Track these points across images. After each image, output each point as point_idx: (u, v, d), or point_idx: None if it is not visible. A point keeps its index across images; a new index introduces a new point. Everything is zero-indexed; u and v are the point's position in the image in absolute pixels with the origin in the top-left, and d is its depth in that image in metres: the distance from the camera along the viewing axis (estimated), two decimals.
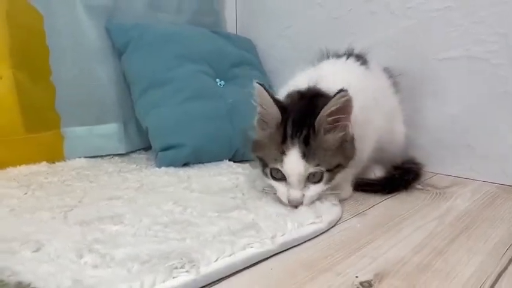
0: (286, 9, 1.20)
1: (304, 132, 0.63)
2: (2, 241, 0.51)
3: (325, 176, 0.65)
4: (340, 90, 0.60)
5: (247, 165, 0.91)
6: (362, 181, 0.78)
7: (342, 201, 0.72)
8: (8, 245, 0.50)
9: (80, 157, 0.98)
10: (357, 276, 0.46)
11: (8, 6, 0.85)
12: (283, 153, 0.63)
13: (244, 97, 0.67)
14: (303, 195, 0.64)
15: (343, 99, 0.61)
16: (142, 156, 1.03)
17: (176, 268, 0.44)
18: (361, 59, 0.81)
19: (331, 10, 1.07)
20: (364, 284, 0.45)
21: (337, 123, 0.63)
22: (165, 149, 0.92)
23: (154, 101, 0.96)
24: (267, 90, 0.64)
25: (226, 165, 0.92)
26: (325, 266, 0.49)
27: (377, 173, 0.83)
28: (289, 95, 0.70)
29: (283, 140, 0.64)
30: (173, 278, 0.42)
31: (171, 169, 0.88)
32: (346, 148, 0.66)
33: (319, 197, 0.67)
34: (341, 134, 0.64)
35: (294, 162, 0.63)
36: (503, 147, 0.83)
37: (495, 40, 0.81)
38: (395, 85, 0.85)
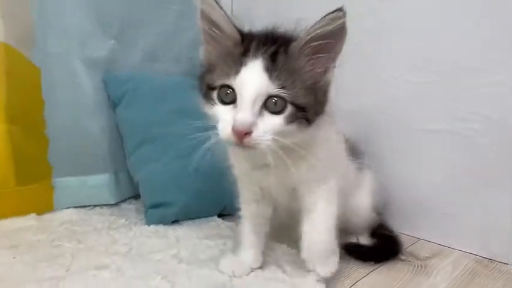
0: None
1: (273, 48, 0.54)
2: None
3: (288, 109, 0.53)
4: (335, 10, 0.51)
5: (235, 224, 0.92)
6: (351, 244, 0.80)
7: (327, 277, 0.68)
8: None
9: (69, 207, 0.98)
10: None
11: (7, 63, 0.86)
12: (240, 64, 0.53)
13: None
14: (253, 122, 0.51)
15: (338, 22, 0.51)
16: (132, 206, 1.04)
17: None
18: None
19: None
20: None
21: (320, 56, 0.54)
22: (155, 206, 0.93)
23: (147, 156, 0.97)
24: (219, 5, 0.55)
25: (216, 224, 0.94)
26: None
27: (361, 239, 0.85)
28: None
29: (244, 53, 0.54)
30: None
31: (161, 227, 0.90)
32: (319, 93, 0.56)
33: (275, 145, 0.53)
34: (320, 70, 0.55)
35: (253, 74, 0.52)
36: (483, 219, 0.87)
37: (477, 119, 0.85)
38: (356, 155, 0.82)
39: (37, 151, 0.94)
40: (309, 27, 0.53)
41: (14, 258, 0.73)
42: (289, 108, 0.53)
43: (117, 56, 1.07)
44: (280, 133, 0.53)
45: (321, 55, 0.54)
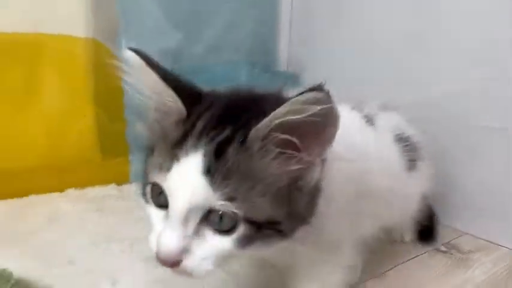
0: (339, 50, 1.26)
1: (224, 135, 0.37)
2: (88, 272, 0.66)
3: (241, 228, 0.36)
4: (314, 87, 0.33)
5: None
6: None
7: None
8: (91, 277, 0.65)
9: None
10: None
11: (95, 56, 1.01)
12: (172, 158, 0.37)
13: None
14: (185, 248, 0.36)
15: (319, 107, 0.34)
16: None
17: None
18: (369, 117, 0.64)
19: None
20: None
21: (292, 152, 0.37)
22: None
23: None
24: (151, 65, 0.40)
25: None
26: None
27: (406, 237, 0.87)
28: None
29: (182, 138, 0.38)
30: None
31: None
32: (299, 200, 0.39)
33: (223, 266, 0.39)
34: (296, 168, 0.38)
35: (185, 176, 0.36)
36: None
37: None
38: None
39: (117, 131, 1.09)
40: (282, 105, 0.35)
41: (100, 219, 0.88)
42: (242, 227, 0.36)
43: (183, 48, 1.18)
44: (230, 258, 0.39)
45: (294, 152, 0.37)
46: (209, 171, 0.35)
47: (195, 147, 0.36)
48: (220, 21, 1.26)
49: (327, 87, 0.34)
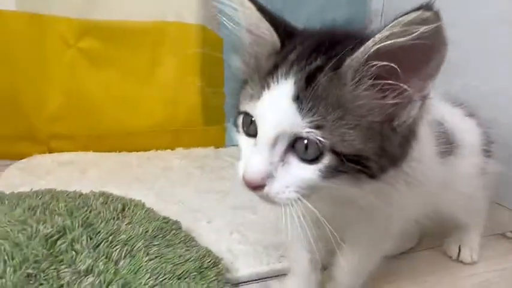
0: None
1: (316, 64, 0.37)
2: (192, 211, 0.87)
3: (326, 158, 0.36)
4: (421, 6, 0.31)
5: None
6: None
7: None
8: (194, 214, 0.86)
9: (234, 145, 1.34)
10: None
11: (202, 40, 1.20)
12: (264, 86, 0.38)
13: None
14: (270, 173, 0.37)
15: (426, 27, 0.31)
16: None
17: (282, 256, 0.72)
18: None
19: None
20: None
21: (390, 83, 0.35)
22: None
23: None
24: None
25: None
26: None
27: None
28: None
29: (274, 67, 0.38)
30: (279, 262, 0.70)
31: None
32: (392, 139, 0.37)
33: (306, 196, 0.38)
34: (393, 102, 0.36)
35: (275, 103, 0.37)
36: None
37: None
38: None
39: (217, 103, 1.30)
40: (382, 28, 0.33)
41: (201, 174, 1.11)
42: (328, 158, 0.36)
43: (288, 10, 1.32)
44: (314, 188, 0.38)
45: (395, 83, 0.35)
46: (298, 98, 0.35)
47: (286, 75, 0.37)
48: (313, 3, 1.35)
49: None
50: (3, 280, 0.49)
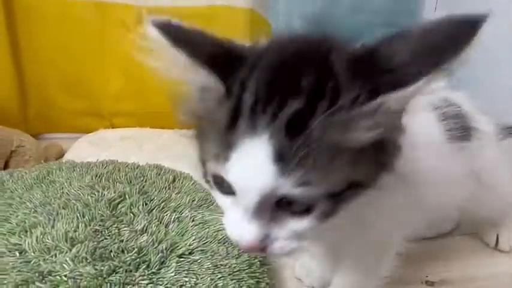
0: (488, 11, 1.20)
1: (294, 107, 0.29)
2: None
3: (321, 204, 0.32)
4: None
5: None
6: None
7: None
8: None
9: None
10: None
11: (251, 24, 1.25)
12: (228, 145, 0.31)
13: None
14: (266, 236, 0.33)
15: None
16: None
17: None
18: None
19: None
20: None
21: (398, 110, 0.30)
22: None
23: None
24: (178, 42, 0.32)
25: None
26: None
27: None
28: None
29: (232, 119, 0.31)
30: None
31: None
32: (385, 151, 0.33)
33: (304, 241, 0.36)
34: (389, 124, 0.31)
35: (249, 168, 0.30)
36: None
37: None
38: None
39: None
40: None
41: None
42: (322, 204, 0.32)
43: (325, 10, 1.32)
44: (314, 230, 0.34)
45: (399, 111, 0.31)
46: (279, 159, 0.29)
47: (253, 128, 0.29)
48: None
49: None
50: (77, 233, 0.59)
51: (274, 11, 1.26)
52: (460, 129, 0.49)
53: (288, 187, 0.30)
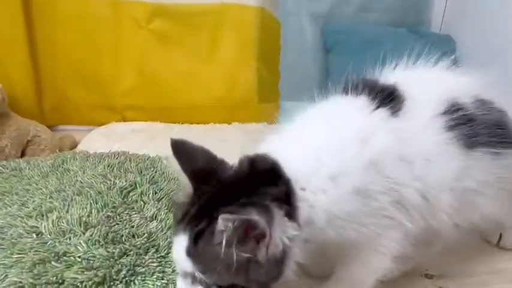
0: (498, 11, 1.21)
1: (201, 226, 0.45)
2: None
3: None
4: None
5: None
6: None
7: None
8: None
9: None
10: None
11: (260, 21, 1.27)
12: (176, 231, 0.48)
13: None
14: None
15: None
16: None
17: None
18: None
19: None
20: None
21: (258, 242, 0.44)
22: None
23: None
24: (180, 158, 0.51)
25: None
26: None
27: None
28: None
29: (182, 217, 0.48)
30: None
31: None
32: (259, 269, 0.45)
33: None
34: (261, 249, 0.44)
35: (178, 251, 0.47)
36: None
37: None
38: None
39: (272, 80, 1.37)
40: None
41: (253, 146, 1.19)
42: None
43: (335, 9, 1.34)
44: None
45: (260, 242, 0.44)
46: (189, 254, 0.46)
47: (185, 229, 0.46)
48: None
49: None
50: (90, 218, 0.63)
51: (284, 9, 1.29)
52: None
53: (194, 270, 0.46)
